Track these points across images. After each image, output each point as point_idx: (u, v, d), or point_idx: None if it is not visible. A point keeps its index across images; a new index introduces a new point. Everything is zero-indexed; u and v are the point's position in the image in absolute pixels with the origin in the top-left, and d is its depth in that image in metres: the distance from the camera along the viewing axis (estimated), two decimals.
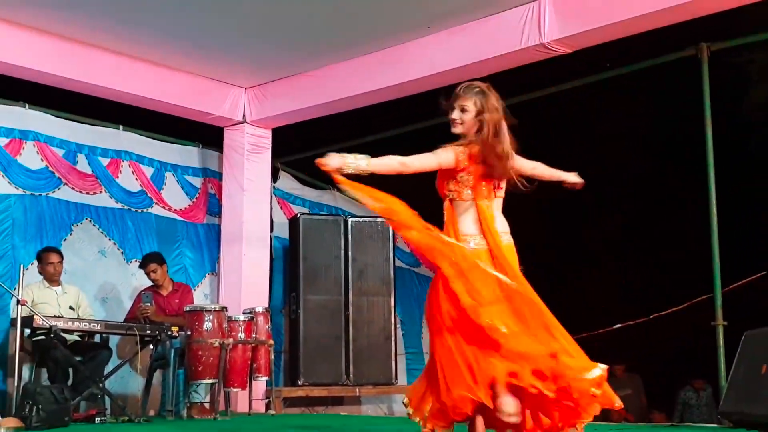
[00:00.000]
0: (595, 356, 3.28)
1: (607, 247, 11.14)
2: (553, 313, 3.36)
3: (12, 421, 5.05)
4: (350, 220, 8.21)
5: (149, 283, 6.86)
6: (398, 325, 8.59)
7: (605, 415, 4.43)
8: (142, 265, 6.89)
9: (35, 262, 6.48)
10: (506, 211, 3.61)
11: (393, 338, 8.05)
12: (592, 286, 10.86)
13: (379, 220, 8.31)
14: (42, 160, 6.96)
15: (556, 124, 9.62)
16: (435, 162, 3.54)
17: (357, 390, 7.73)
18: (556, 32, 5.88)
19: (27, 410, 5.07)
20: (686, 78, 6.95)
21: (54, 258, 6.34)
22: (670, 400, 8.94)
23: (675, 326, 8.13)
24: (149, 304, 6.54)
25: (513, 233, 3.56)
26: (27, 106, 6.96)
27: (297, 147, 8.86)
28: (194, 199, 8.08)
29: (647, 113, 9.89)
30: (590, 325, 7.48)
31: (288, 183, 8.91)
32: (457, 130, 3.57)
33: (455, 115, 3.57)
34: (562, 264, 11.07)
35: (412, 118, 8.37)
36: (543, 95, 7.53)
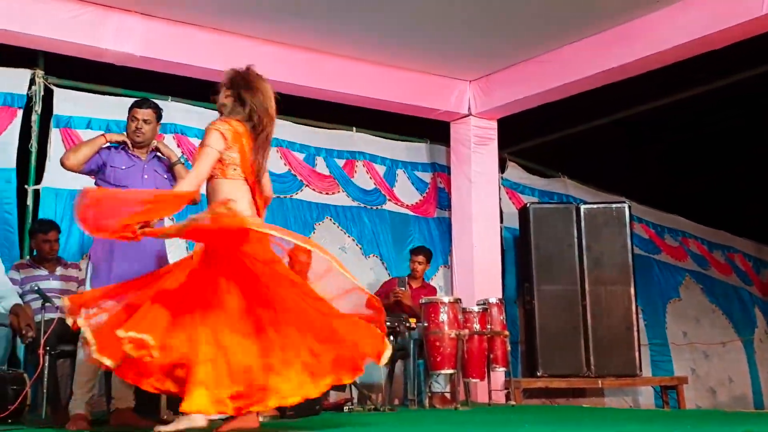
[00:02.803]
0: None
1: None
2: None
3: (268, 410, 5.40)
4: (582, 207, 7.99)
5: (384, 278, 7.12)
6: (640, 315, 8.25)
7: None
8: (414, 253, 7.15)
9: None
10: None
11: (635, 328, 7.73)
12: None
13: (613, 206, 8.03)
14: (285, 165, 7.42)
15: None
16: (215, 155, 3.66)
17: (599, 382, 7.50)
18: None
19: None
20: None
21: (305, 257, 6.71)
22: None
23: None
24: (404, 288, 6.79)
25: None
26: None
27: (523, 136, 8.79)
28: (424, 194, 8.27)
29: None
30: None
31: (515, 173, 8.86)
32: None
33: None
34: None
35: (641, 98, 8.01)
36: None
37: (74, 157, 4.48)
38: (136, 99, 4.84)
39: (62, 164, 4.52)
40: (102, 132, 4.70)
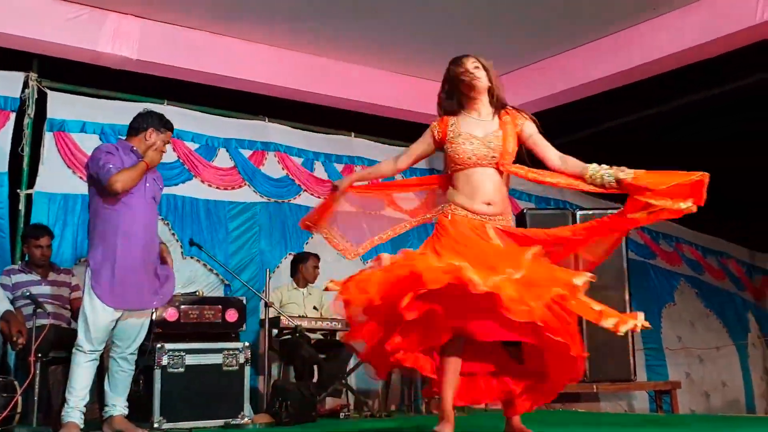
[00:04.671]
0: None
1: None
2: None
3: (264, 417, 5.31)
4: (578, 213, 7.93)
5: None
6: None
7: None
8: None
9: (280, 266, 6.89)
10: None
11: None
12: None
13: (609, 212, 7.97)
14: (283, 169, 7.35)
15: None
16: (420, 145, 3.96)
17: (594, 386, 7.49)
18: None
19: (277, 406, 5.27)
20: None
21: (314, 262, 6.66)
22: None
23: None
24: None
25: None
26: (267, 119, 7.39)
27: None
28: (424, 200, 8.19)
29: None
30: None
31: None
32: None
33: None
34: None
35: (642, 104, 7.99)
36: None
37: (131, 182, 4.41)
38: (161, 117, 4.68)
39: (115, 190, 4.38)
40: (141, 158, 4.51)
